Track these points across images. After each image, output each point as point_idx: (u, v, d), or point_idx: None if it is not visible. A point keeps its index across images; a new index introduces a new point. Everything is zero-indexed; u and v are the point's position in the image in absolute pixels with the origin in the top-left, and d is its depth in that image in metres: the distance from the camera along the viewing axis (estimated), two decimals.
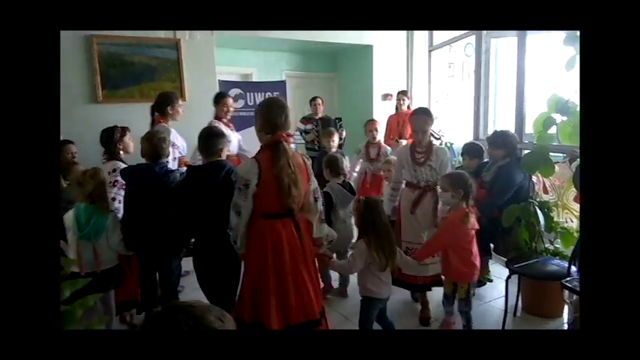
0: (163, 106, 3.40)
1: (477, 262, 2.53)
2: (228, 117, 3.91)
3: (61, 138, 3.85)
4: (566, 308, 2.81)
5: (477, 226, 2.49)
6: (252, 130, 4.10)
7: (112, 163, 3.11)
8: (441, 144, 5.20)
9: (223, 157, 2.52)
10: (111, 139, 3.21)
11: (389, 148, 4.29)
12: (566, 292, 2.50)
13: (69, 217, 2.51)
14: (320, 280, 2.35)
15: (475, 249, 2.53)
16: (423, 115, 2.86)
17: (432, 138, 2.96)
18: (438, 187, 2.73)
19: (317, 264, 2.32)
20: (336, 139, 4.16)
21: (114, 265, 2.59)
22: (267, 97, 5.07)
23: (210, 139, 2.48)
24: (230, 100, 3.91)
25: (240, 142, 3.99)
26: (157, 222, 2.59)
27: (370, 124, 4.30)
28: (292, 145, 4.26)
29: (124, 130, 3.26)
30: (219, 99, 3.91)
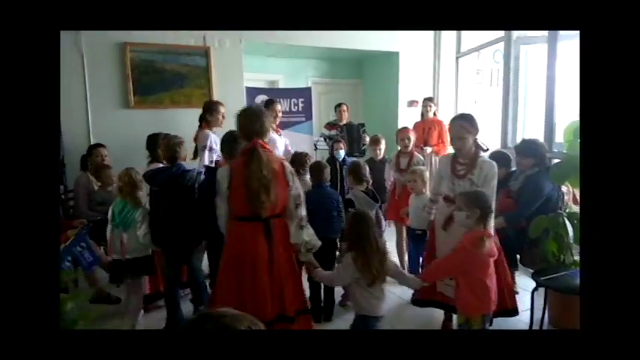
0: (204, 114, 3.67)
1: (493, 293, 2.22)
2: (277, 122, 4.07)
3: (93, 141, 4.02)
4: None
5: (494, 254, 2.23)
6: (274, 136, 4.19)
7: (153, 165, 3.40)
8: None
9: None
10: (154, 144, 3.49)
11: (421, 157, 3.99)
12: None
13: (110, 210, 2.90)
14: (298, 282, 2.34)
15: (491, 278, 2.22)
16: (460, 121, 2.62)
17: (477, 149, 2.63)
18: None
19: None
20: (382, 146, 4.14)
21: (142, 255, 2.83)
22: (292, 103, 5.14)
23: (230, 142, 2.64)
24: (278, 106, 4.09)
25: (287, 146, 4.16)
26: (176, 219, 2.75)
27: (402, 132, 4.01)
28: (341, 152, 4.34)
29: (166, 136, 3.41)
30: (269, 105, 4.07)
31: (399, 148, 4.01)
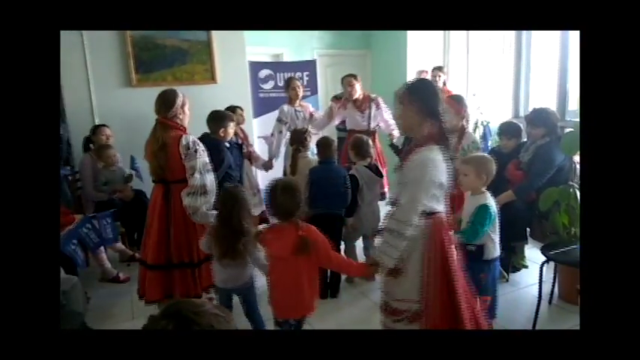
0: (285, 91, 4.16)
1: (288, 297, 2.00)
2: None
3: (97, 122, 4.01)
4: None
5: (277, 254, 1.99)
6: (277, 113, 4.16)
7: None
8: (475, 128, 4.50)
9: (224, 136, 3.13)
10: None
11: (475, 137, 2.80)
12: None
13: None
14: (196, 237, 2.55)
15: (285, 280, 1.99)
16: (400, 90, 1.88)
17: (429, 134, 1.84)
18: None
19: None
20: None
21: None
22: (297, 76, 5.02)
23: (211, 120, 3.13)
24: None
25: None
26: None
27: (450, 101, 2.80)
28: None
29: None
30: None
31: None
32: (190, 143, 2.51)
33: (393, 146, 3.61)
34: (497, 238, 2.28)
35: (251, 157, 3.85)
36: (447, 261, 1.87)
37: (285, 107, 4.03)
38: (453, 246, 1.92)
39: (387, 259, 1.83)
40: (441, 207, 1.88)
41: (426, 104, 1.82)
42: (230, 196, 2.19)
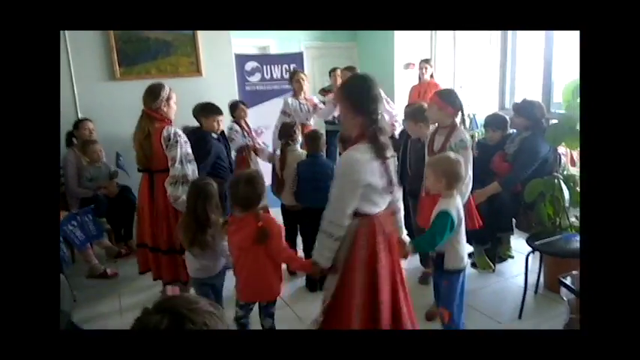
0: (289, 84, 4.22)
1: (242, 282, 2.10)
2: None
3: (80, 116, 3.93)
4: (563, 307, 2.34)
5: (239, 244, 2.07)
6: (266, 105, 4.13)
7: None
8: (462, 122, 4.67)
9: (212, 128, 3.18)
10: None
11: (466, 136, 2.47)
12: (564, 289, 2.15)
13: None
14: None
15: (244, 268, 2.08)
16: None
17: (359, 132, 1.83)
18: None
19: None
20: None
21: None
22: (284, 69, 4.98)
23: (200, 112, 3.20)
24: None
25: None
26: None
27: (435, 97, 2.58)
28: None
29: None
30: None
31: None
32: (172, 134, 2.59)
33: (392, 139, 3.63)
34: (461, 248, 2.02)
35: (256, 150, 3.85)
36: (375, 264, 1.82)
37: (290, 99, 4.03)
38: (387, 250, 1.85)
39: (321, 258, 1.82)
40: (376, 209, 1.82)
41: (354, 101, 1.77)
42: (195, 189, 2.27)
